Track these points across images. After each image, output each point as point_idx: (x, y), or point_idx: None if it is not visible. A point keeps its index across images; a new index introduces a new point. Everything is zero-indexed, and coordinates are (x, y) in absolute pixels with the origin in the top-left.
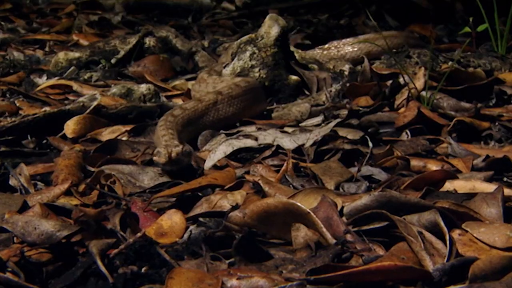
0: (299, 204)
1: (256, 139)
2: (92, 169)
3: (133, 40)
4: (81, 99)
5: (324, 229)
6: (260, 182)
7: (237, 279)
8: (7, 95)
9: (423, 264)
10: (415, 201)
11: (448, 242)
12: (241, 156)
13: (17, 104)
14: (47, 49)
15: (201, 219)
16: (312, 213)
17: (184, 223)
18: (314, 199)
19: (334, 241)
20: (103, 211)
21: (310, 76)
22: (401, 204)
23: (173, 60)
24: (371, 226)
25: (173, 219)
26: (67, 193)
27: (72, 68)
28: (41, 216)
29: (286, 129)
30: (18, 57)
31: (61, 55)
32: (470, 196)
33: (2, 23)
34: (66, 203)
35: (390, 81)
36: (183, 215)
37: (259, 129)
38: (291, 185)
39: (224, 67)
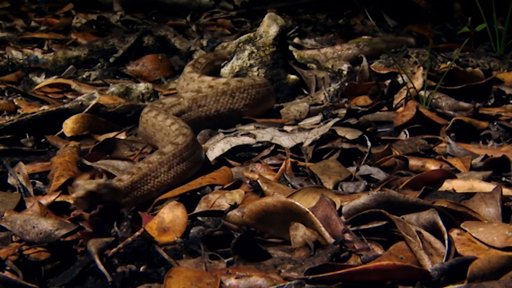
0: (297, 203)
1: (254, 137)
2: (88, 163)
3: (131, 39)
4: (79, 98)
5: (323, 229)
6: (258, 181)
7: (235, 278)
8: (6, 94)
9: (421, 263)
10: (413, 201)
11: (446, 242)
12: (240, 155)
13: (16, 103)
14: (45, 48)
15: (199, 218)
16: (310, 213)
17: (186, 217)
18: (312, 198)
19: (332, 240)
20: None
21: (309, 75)
22: (399, 203)
23: (171, 59)
24: (370, 226)
25: (174, 213)
26: (66, 192)
27: (71, 67)
28: (40, 214)
29: (284, 128)
30: (17, 56)
31: (59, 54)
32: (469, 195)
33: (1, 21)
34: (65, 202)
35: (389, 81)
36: (184, 208)
37: (257, 127)
38: (289, 184)
39: (223, 66)
